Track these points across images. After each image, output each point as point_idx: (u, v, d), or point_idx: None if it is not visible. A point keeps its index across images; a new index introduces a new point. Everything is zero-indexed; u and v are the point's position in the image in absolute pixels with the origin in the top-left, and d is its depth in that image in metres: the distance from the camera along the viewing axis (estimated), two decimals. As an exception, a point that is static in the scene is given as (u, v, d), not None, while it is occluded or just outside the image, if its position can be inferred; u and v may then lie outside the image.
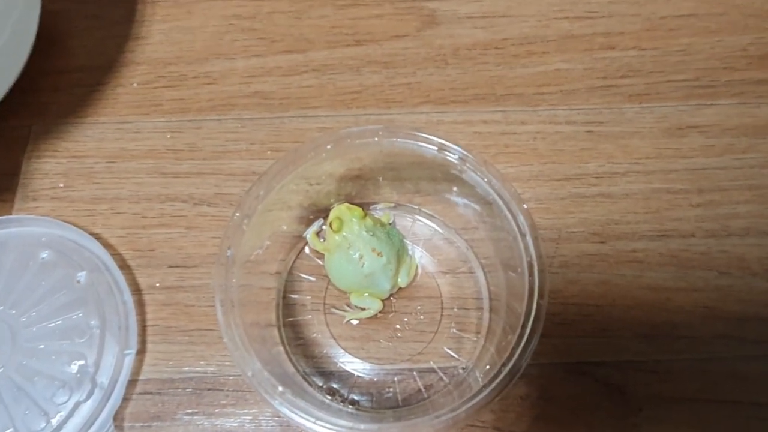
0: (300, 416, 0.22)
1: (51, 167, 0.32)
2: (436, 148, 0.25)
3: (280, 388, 0.22)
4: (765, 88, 0.33)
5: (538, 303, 0.23)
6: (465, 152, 0.25)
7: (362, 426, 0.22)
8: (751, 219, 0.30)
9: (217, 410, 0.27)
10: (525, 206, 0.24)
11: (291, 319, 0.29)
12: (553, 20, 0.36)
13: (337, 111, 0.33)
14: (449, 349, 0.28)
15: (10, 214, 0.31)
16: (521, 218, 0.24)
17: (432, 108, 0.33)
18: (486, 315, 0.28)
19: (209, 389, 0.27)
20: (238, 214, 0.25)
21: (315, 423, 0.22)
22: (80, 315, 0.27)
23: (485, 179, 0.25)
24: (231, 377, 0.28)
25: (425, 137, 0.25)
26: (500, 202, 0.24)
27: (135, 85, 0.34)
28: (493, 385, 0.22)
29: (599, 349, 0.28)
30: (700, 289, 0.29)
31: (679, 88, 0.34)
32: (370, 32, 0.35)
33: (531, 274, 0.23)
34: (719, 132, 0.32)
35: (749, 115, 0.33)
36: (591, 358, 0.28)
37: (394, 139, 0.26)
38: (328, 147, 0.26)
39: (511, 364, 0.22)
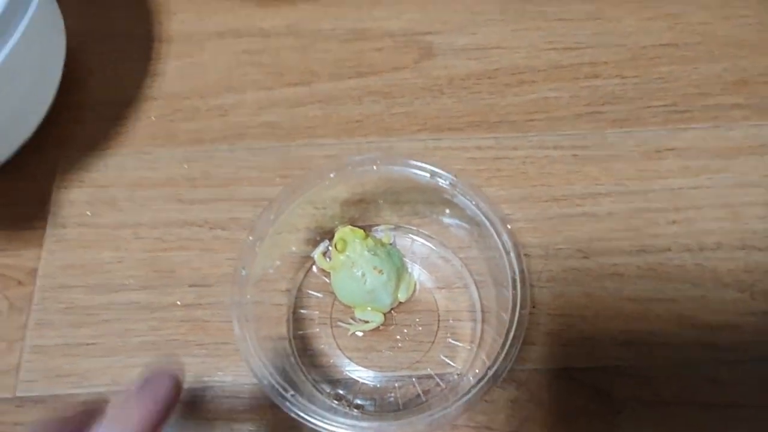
0: (309, 416, 0.27)
1: (77, 196, 0.37)
2: (428, 175, 0.30)
3: (291, 393, 0.27)
4: (738, 112, 0.38)
5: (520, 313, 0.28)
6: (454, 178, 0.30)
7: (364, 424, 0.27)
8: (722, 234, 0.35)
9: (234, 416, 0.32)
10: (509, 226, 0.29)
11: (300, 332, 0.33)
12: (542, 51, 0.41)
13: (340, 139, 0.38)
14: (445, 357, 0.33)
15: (41, 243, 0.36)
16: (505, 237, 0.29)
17: (429, 135, 0.38)
18: (478, 326, 0.33)
19: (227, 397, 0.32)
20: (251, 237, 0.30)
21: (322, 421, 0.27)
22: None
23: (473, 202, 0.30)
24: (246, 386, 0.32)
25: (419, 165, 0.30)
26: (487, 223, 0.29)
27: (152, 118, 0.39)
28: (480, 385, 0.27)
29: (583, 356, 0.33)
30: (676, 299, 0.34)
31: (658, 113, 0.39)
32: (371, 64, 0.40)
33: (514, 288, 0.28)
34: (695, 154, 0.37)
35: (723, 138, 0.38)
36: (576, 364, 0.33)
37: (391, 167, 0.31)
38: (332, 175, 0.31)
39: (495, 366, 0.27)
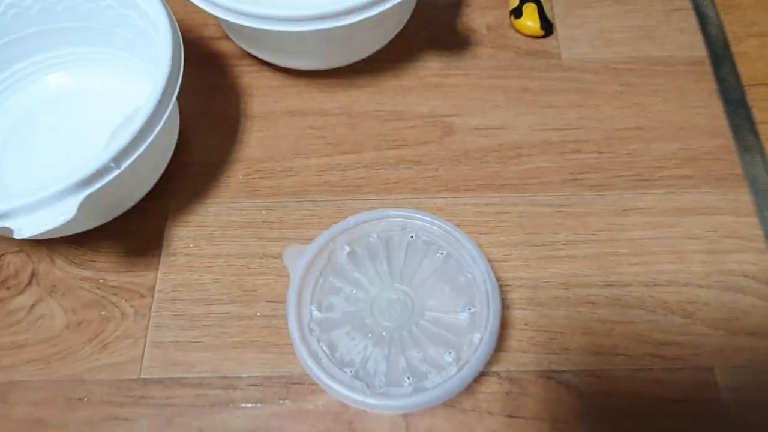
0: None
1: (183, 233, 0.49)
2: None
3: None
4: (688, 182, 0.50)
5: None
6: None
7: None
8: (672, 274, 0.46)
9: (300, 396, 0.43)
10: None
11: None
12: (536, 131, 0.53)
13: (381, 196, 0.50)
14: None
15: (158, 267, 0.48)
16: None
17: (449, 194, 0.50)
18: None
19: (294, 383, 0.44)
20: None
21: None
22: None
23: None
24: (308, 376, 0.43)
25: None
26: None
27: (240, 176, 0.52)
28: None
29: (561, 362, 0.44)
30: (635, 322, 0.45)
31: (626, 181, 0.50)
32: (405, 139, 0.53)
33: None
34: (654, 213, 0.49)
35: (675, 201, 0.49)
36: (556, 367, 0.44)
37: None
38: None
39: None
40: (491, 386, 0.43)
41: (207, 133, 0.54)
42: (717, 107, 0.54)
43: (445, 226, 0.42)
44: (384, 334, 0.41)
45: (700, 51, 0.57)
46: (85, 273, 0.48)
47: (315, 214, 0.50)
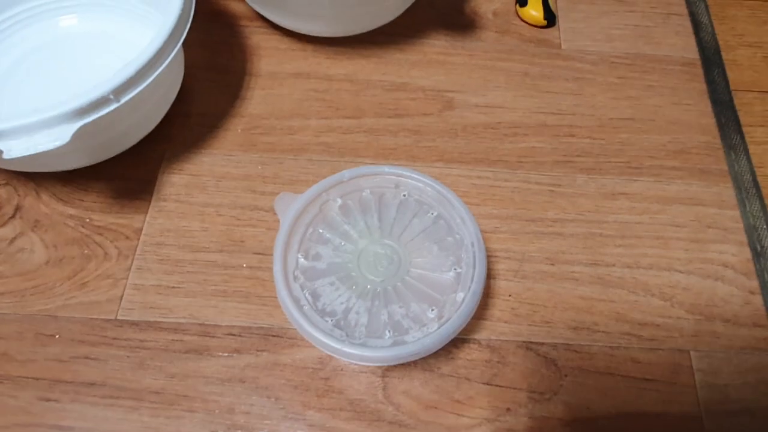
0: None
1: (176, 180, 0.47)
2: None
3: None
4: (675, 172, 0.49)
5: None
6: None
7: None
8: (654, 258, 0.45)
9: (278, 350, 0.41)
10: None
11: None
12: (533, 113, 0.52)
13: (377, 161, 0.49)
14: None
15: (147, 210, 0.46)
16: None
17: (444, 165, 0.49)
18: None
19: (273, 335, 0.42)
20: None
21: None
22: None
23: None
24: (288, 329, 0.42)
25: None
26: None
27: (239, 130, 0.50)
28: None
29: (542, 334, 0.42)
30: (615, 301, 0.44)
31: (616, 167, 0.49)
32: (406, 109, 0.51)
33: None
34: (641, 199, 0.48)
35: (662, 190, 0.48)
36: (536, 339, 0.42)
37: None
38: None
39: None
40: (471, 353, 0.41)
41: (210, 87, 0.52)
42: (706, 106, 0.53)
43: (437, 187, 0.41)
44: (368, 287, 0.38)
45: (692, 54, 0.56)
46: (71, 211, 0.46)
47: (310, 172, 0.48)
